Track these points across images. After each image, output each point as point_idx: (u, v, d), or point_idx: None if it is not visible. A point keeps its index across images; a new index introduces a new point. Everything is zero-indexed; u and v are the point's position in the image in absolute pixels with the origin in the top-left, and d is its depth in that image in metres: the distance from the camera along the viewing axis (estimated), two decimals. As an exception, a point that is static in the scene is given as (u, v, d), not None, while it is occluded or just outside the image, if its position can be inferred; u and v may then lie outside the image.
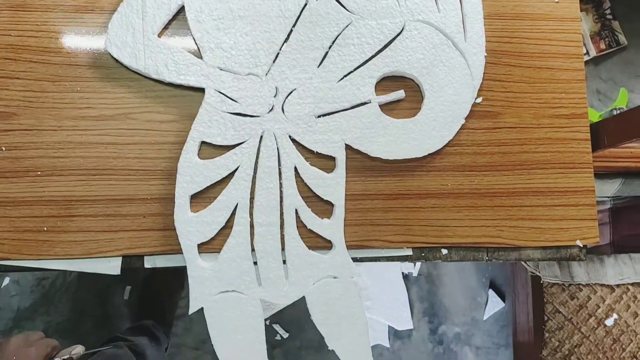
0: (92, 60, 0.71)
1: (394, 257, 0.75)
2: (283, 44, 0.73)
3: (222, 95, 0.71)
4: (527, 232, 0.76)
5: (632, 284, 1.08)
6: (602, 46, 1.70)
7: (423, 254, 0.75)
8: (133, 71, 0.71)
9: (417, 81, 0.75)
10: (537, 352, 1.14)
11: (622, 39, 1.70)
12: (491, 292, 1.63)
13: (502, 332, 1.63)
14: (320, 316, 0.73)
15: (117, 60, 0.70)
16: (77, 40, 0.72)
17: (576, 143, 0.78)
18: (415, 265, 1.61)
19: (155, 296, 1.45)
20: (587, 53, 1.70)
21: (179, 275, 1.49)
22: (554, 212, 0.77)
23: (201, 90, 0.71)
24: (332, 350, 1.49)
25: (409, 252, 0.75)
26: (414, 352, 1.59)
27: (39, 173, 0.69)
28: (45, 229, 0.68)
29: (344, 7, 0.74)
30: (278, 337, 1.53)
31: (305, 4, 0.73)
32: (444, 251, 0.76)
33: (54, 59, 0.71)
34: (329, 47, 0.73)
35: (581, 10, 1.69)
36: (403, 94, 0.75)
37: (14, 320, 1.44)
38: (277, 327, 1.53)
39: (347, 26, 0.74)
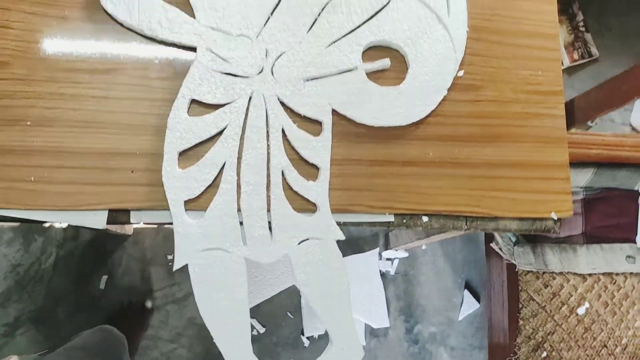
0: (87, 15, 0.72)
1: (375, 223, 0.77)
2: (274, 8, 0.75)
3: (213, 54, 0.72)
4: (505, 203, 0.78)
5: (603, 274, 1.11)
6: (576, 56, 1.77)
7: (404, 221, 0.77)
8: (127, 27, 0.72)
9: (402, 52, 0.78)
10: (512, 349, 1.16)
11: (594, 50, 1.77)
12: (466, 292, 1.65)
13: (477, 334, 1.64)
14: (303, 276, 0.74)
15: (111, 16, 0.72)
16: (72, -3, 0.73)
17: (552, 119, 0.81)
18: (392, 264, 1.63)
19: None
20: (562, 63, 1.76)
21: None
22: (530, 185, 0.79)
23: (193, 49, 0.73)
24: (308, 347, 1.49)
25: (391, 219, 0.76)
26: (390, 351, 1.60)
27: (29, 123, 0.69)
28: (32, 178, 0.68)
29: (334, -23, 0.77)
30: (254, 332, 1.52)
31: (297, -29, 0.76)
32: (425, 218, 0.77)
33: (49, 11, 0.72)
34: (318, 14, 0.76)
35: (556, 23, 1.76)
36: (388, 63, 0.77)
37: (-16, 308, 1.42)
38: (253, 321, 1.53)
39: (336, -6, 0.77)
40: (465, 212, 0.78)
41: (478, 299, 1.65)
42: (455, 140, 0.78)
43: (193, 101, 0.72)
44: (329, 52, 0.75)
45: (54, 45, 0.71)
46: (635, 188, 1.09)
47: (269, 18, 0.75)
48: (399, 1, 0.78)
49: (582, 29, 1.76)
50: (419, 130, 0.78)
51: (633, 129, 1.78)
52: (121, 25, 0.72)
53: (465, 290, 1.65)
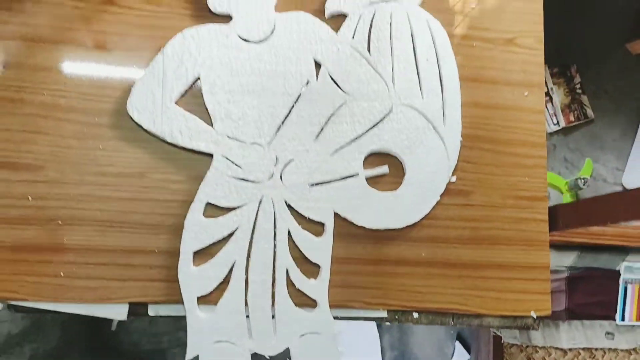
0: (114, 122, 0.80)
1: (370, 318, 0.84)
2: (285, 118, 0.82)
3: (228, 161, 0.80)
4: (489, 302, 0.85)
5: (583, 349, 1.18)
6: (572, 118, 1.84)
7: (396, 317, 0.84)
8: (151, 134, 0.79)
9: (400, 159, 0.85)
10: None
11: (589, 112, 1.84)
12: (458, 343, 1.72)
13: (465, 384, 1.71)
14: (301, 368, 0.81)
15: (137, 123, 0.78)
16: (102, 102, 0.80)
17: (536, 223, 0.88)
18: (387, 313, 1.69)
19: None
20: (558, 123, 1.84)
21: None
22: (513, 285, 0.86)
23: (210, 155, 0.80)
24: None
25: (384, 314, 0.84)
26: (382, 398, 1.66)
27: (60, 222, 0.76)
28: (62, 274, 0.76)
29: (340, 89, 0.84)
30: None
31: (307, 83, 0.83)
32: (415, 315, 0.84)
33: (81, 118, 0.79)
34: (325, 124, 0.83)
35: (554, 84, 1.84)
36: (387, 170, 0.84)
37: (2, 346, 1.48)
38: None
39: (341, 105, 0.84)
40: (453, 310, 0.85)
41: (468, 350, 1.72)
42: (446, 242, 0.85)
43: (208, 203, 0.79)
44: (333, 160, 0.82)
45: (84, 149, 0.78)
46: (617, 268, 1.16)
47: (279, 127, 0.82)
48: (399, 112, 0.85)
49: (579, 91, 1.83)
50: (413, 232, 0.85)
51: (624, 189, 1.85)
52: (146, 131, 0.79)
53: (457, 341, 1.72)
